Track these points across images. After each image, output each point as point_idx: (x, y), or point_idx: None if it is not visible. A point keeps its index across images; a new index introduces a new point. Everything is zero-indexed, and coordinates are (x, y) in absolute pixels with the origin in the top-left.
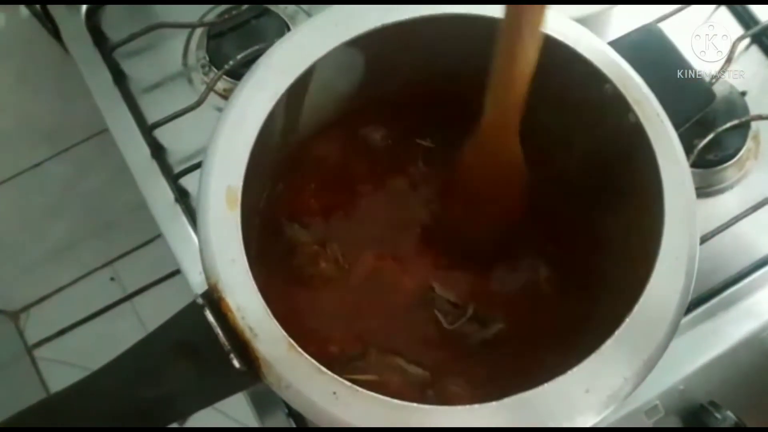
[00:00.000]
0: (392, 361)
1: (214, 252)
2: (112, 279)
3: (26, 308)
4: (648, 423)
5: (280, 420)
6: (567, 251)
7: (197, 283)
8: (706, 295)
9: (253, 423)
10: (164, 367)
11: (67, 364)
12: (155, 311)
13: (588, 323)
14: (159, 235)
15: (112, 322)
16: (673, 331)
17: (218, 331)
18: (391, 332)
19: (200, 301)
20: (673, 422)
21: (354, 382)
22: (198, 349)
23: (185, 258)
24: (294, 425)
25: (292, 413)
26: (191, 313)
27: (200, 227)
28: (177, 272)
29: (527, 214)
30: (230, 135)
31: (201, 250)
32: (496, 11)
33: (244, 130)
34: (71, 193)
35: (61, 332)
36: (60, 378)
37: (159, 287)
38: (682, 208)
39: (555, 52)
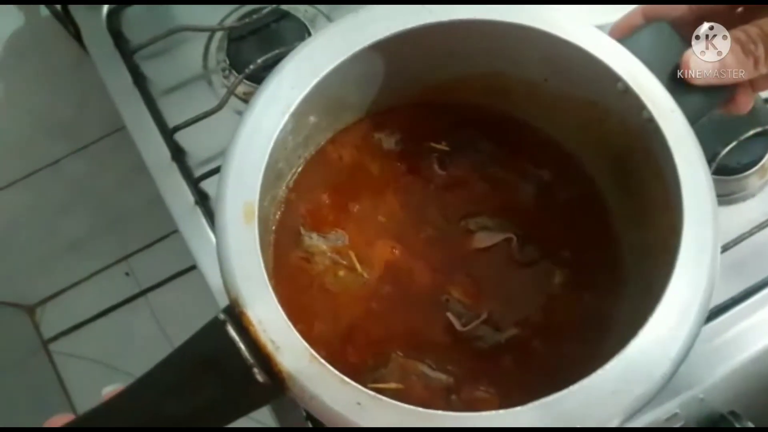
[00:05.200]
0: (415, 367)
1: (234, 267)
2: (126, 274)
3: (42, 302)
4: None
5: (298, 420)
6: (583, 255)
7: (216, 284)
8: (728, 304)
9: (271, 422)
10: (190, 384)
11: (83, 358)
12: (169, 306)
13: (608, 324)
14: (173, 232)
15: (126, 316)
16: (697, 331)
17: (240, 345)
18: (412, 338)
19: (222, 316)
20: None
21: (378, 391)
22: (222, 365)
23: (204, 259)
24: (311, 426)
25: (311, 415)
26: (214, 328)
27: (219, 243)
28: (191, 268)
29: (542, 218)
30: (245, 150)
31: (221, 265)
32: (513, 15)
33: (259, 145)
34: (87, 190)
35: (77, 327)
36: (75, 372)
37: (173, 283)
38: (702, 204)
39: (566, 52)
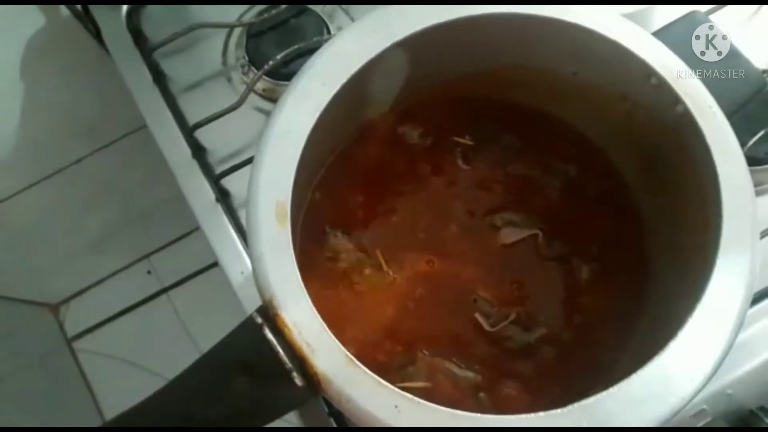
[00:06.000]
0: (442, 365)
1: (267, 268)
2: (148, 272)
3: (66, 300)
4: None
5: (321, 417)
6: (611, 250)
7: (238, 281)
8: (756, 297)
9: (293, 418)
10: (224, 387)
11: (106, 356)
12: (191, 304)
13: (637, 317)
14: (195, 229)
15: (149, 314)
16: (738, 329)
17: (279, 349)
18: (439, 337)
19: (258, 319)
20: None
21: (406, 389)
22: (258, 368)
23: (226, 256)
24: (335, 425)
25: (332, 412)
26: (248, 330)
27: (252, 245)
28: (212, 266)
29: (568, 213)
30: (275, 150)
31: (254, 268)
32: (541, 8)
33: (289, 144)
34: (109, 188)
35: (100, 324)
36: (99, 369)
37: (195, 280)
38: (742, 201)
39: (597, 44)
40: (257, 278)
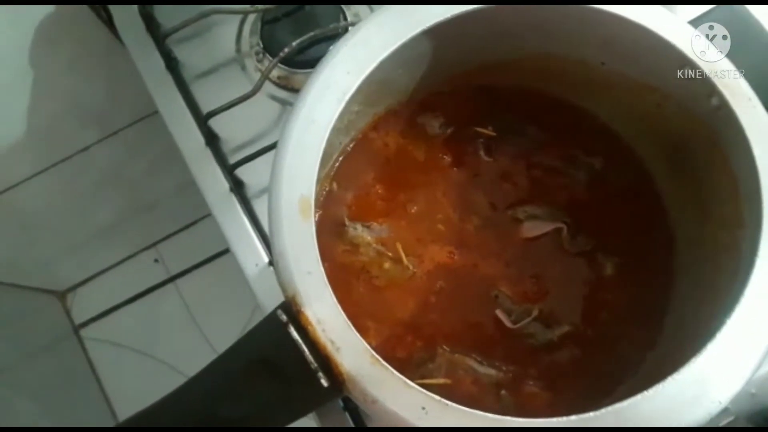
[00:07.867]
0: (463, 362)
1: (291, 264)
2: (155, 261)
3: (73, 288)
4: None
5: (337, 413)
6: (636, 245)
7: (252, 271)
8: None
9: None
10: (245, 386)
11: (113, 344)
12: (198, 292)
13: (661, 316)
14: (202, 218)
15: (156, 302)
16: None
17: (303, 348)
18: (459, 332)
19: (283, 316)
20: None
21: (425, 386)
22: (282, 367)
23: (240, 247)
24: (351, 422)
25: (348, 407)
26: (272, 328)
27: (274, 240)
28: (219, 255)
29: (593, 206)
30: (299, 141)
31: (276, 263)
32: None
33: (313, 136)
34: (118, 176)
35: (107, 312)
36: (106, 357)
37: (202, 269)
38: None
39: (631, 34)
40: (280, 274)
